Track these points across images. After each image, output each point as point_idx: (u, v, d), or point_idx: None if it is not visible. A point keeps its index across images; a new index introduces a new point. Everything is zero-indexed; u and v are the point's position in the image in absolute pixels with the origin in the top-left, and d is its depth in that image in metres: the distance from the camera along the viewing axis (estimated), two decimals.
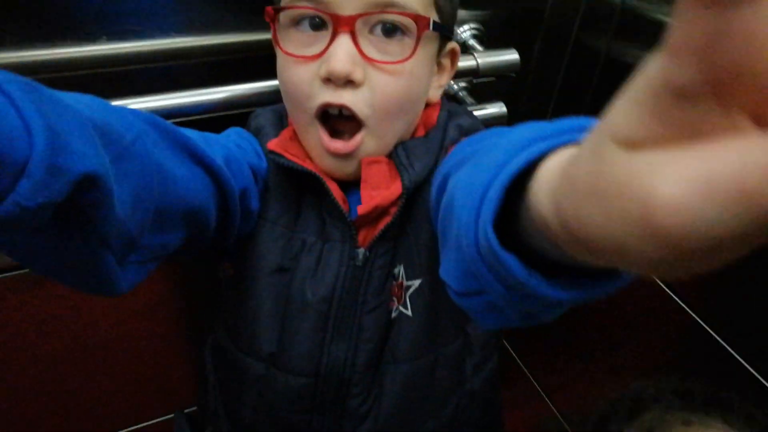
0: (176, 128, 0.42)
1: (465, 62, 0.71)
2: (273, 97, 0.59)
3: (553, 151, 0.24)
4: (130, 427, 0.90)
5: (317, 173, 0.51)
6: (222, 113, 0.60)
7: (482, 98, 0.80)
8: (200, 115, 0.58)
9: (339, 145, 0.51)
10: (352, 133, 0.51)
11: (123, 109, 0.37)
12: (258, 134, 0.56)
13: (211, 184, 0.45)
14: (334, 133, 0.52)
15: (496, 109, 0.78)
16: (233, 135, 0.55)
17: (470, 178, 0.32)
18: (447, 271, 0.38)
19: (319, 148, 0.52)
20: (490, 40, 0.78)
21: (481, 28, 0.77)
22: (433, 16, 0.50)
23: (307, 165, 0.52)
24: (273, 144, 0.52)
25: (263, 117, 0.57)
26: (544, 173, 0.23)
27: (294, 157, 0.52)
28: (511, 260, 0.27)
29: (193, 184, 0.43)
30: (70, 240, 0.33)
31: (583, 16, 0.81)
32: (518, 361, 1.12)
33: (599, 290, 0.27)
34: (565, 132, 0.26)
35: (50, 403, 0.81)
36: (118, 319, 0.78)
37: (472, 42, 0.77)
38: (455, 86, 0.81)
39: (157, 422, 0.91)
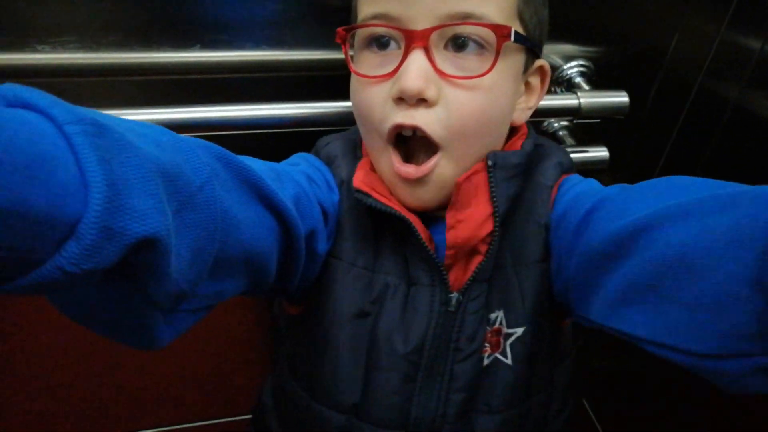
0: (248, 166, 0.38)
1: (566, 100, 0.66)
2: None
3: None
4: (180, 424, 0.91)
5: (406, 216, 0.47)
6: (299, 129, 0.59)
7: (584, 140, 0.74)
8: (278, 129, 0.58)
9: (410, 169, 0.47)
10: (429, 156, 0.47)
11: (194, 146, 0.34)
12: (330, 164, 0.53)
13: (277, 228, 0.41)
14: (409, 157, 0.49)
15: (598, 153, 0.72)
16: (303, 164, 0.51)
17: None
18: (675, 331, 0.36)
19: (392, 175, 0.49)
20: (600, 79, 0.72)
21: (591, 65, 0.71)
22: (516, 28, 0.46)
23: (393, 204, 0.48)
24: (359, 181, 0.48)
25: (335, 146, 0.54)
26: None
27: (381, 196, 0.48)
28: None
29: (259, 230, 0.39)
30: (112, 298, 0.30)
31: (713, 61, 0.72)
32: (596, 424, 1.03)
33: None
34: None
35: (109, 393, 0.84)
36: None
37: (578, 80, 0.71)
38: (556, 124, 0.76)
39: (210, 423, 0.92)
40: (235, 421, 0.92)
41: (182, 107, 0.55)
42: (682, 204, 0.37)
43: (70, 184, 0.23)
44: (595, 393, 1.04)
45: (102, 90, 0.60)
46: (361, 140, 0.54)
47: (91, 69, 0.57)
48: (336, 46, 0.58)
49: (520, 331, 0.51)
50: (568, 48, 0.70)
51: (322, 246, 0.49)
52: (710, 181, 0.40)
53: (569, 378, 0.59)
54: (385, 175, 0.50)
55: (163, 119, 0.54)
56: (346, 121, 0.59)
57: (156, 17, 0.56)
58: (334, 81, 0.58)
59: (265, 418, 0.63)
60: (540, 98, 0.54)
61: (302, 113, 0.59)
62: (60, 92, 0.26)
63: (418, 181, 0.47)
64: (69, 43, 0.55)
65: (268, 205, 0.40)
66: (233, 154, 0.37)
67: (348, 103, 0.58)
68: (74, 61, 0.56)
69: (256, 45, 0.60)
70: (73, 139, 0.24)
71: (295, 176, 0.46)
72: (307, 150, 0.56)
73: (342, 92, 0.56)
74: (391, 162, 0.48)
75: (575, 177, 0.54)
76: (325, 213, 0.48)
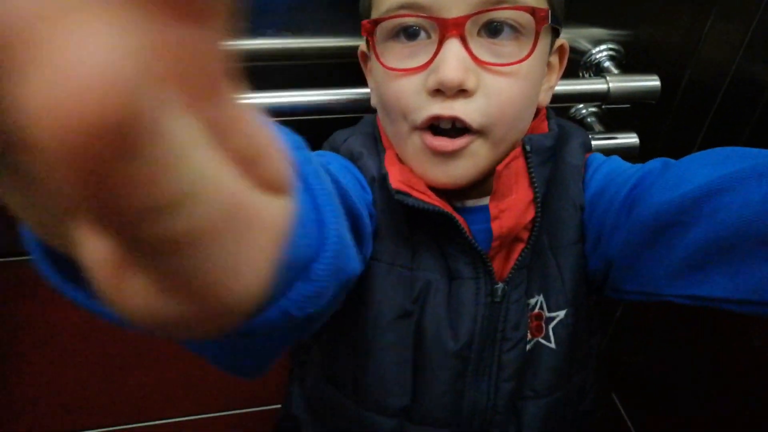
0: (338, 178, 0.35)
1: (594, 85, 0.64)
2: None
3: None
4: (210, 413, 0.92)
5: (450, 212, 0.46)
6: (315, 117, 0.58)
7: (613, 126, 0.72)
8: (296, 117, 0.58)
9: (444, 141, 0.45)
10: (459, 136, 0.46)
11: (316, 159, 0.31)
12: (356, 161, 0.51)
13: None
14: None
15: (628, 140, 0.69)
16: (334, 163, 0.47)
17: None
18: (760, 286, 0.36)
19: (421, 153, 0.47)
20: (630, 63, 0.70)
21: (621, 49, 0.69)
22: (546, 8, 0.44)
23: (434, 200, 0.46)
24: (396, 181, 0.46)
25: (356, 142, 0.52)
26: None
27: (420, 193, 0.46)
28: None
29: None
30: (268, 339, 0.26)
31: (750, 43, 0.70)
32: (625, 418, 1.01)
33: None
34: None
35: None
36: None
37: (607, 64, 0.69)
38: (584, 110, 0.74)
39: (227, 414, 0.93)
40: (257, 411, 0.92)
41: None
42: (754, 166, 0.37)
43: (306, 221, 0.21)
44: (624, 388, 1.02)
45: None
46: (379, 134, 0.53)
47: None
48: (357, 33, 0.57)
49: (561, 314, 0.51)
50: (597, 31, 0.68)
51: (369, 249, 0.47)
52: (763, 150, 0.39)
53: (599, 353, 0.59)
54: (411, 157, 0.48)
55: None
56: (360, 108, 0.58)
57: None
58: (355, 67, 0.57)
59: (296, 418, 0.61)
60: (559, 77, 0.53)
61: (317, 100, 0.58)
62: None
63: (451, 155, 0.46)
64: None
65: (351, 217, 0.37)
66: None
67: (361, 90, 0.58)
68: None
69: (279, 32, 0.59)
70: (302, 167, 0.22)
71: (344, 180, 0.44)
72: (318, 140, 0.55)
73: (364, 79, 0.55)
74: (418, 142, 0.46)
75: (598, 155, 0.53)
76: (370, 215, 0.47)
